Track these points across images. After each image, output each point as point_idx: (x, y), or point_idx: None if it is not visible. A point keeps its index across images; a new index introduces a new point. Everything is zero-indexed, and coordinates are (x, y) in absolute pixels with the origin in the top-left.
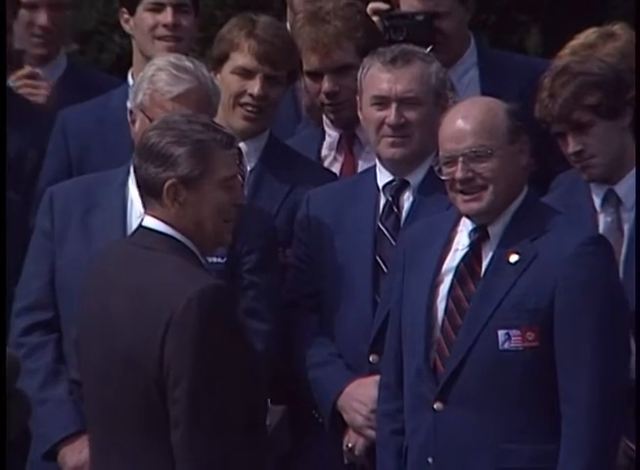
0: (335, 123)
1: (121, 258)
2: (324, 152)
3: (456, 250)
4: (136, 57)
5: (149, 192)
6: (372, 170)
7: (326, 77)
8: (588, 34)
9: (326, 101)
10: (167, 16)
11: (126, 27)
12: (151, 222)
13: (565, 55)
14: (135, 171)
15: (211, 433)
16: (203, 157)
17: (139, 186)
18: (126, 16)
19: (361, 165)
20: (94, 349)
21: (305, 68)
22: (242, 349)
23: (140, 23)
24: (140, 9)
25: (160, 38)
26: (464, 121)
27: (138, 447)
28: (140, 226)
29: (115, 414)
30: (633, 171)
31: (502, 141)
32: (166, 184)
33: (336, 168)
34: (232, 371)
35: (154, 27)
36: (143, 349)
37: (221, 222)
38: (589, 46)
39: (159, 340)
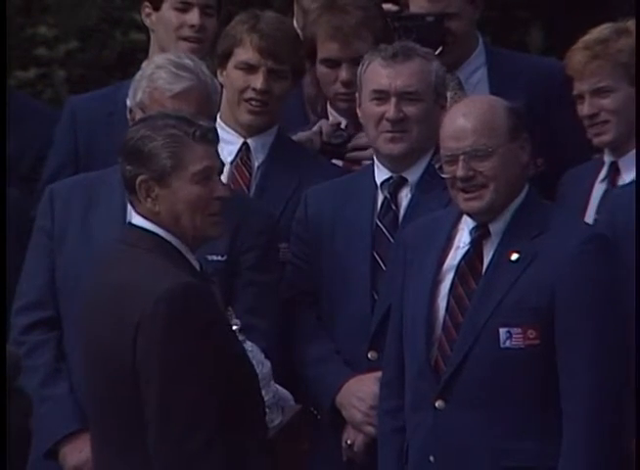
0: (345, 112)
1: (107, 257)
2: None
3: (457, 248)
4: (153, 52)
5: (128, 189)
6: (370, 167)
7: (344, 66)
8: (602, 29)
9: (342, 90)
10: (194, 17)
11: (147, 21)
12: (136, 219)
13: (578, 49)
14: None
15: (181, 432)
16: (173, 151)
17: (123, 184)
18: (149, 10)
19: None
20: (83, 347)
21: (322, 55)
22: (214, 348)
23: (164, 20)
24: (166, 6)
25: (185, 39)
26: (465, 120)
27: (124, 444)
28: (129, 223)
29: (103, 412)
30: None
31: (503, 139)
32: (137, 181)
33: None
34: (201, 371)
35: (179, 27)
36: (118, 348)
37: (201, 217)
38: (602, 41)
39: (131, 340)
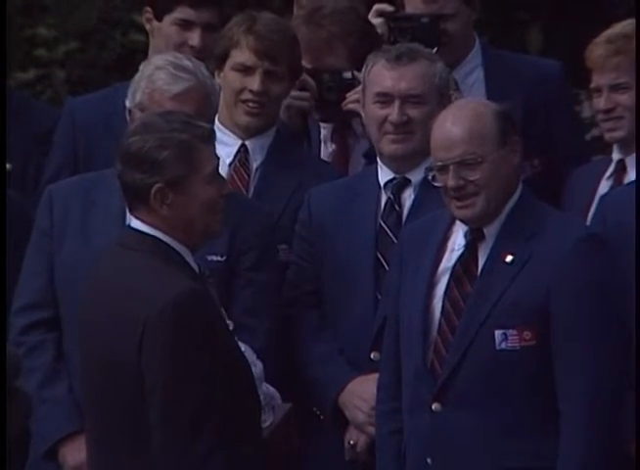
0: (325, 121)
1: (107, 260)
2: (322, 145)
3: (452, 250)
4: (152, 56)
5: (135, 197)
6: (373, 168)
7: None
8: (625, 25)
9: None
10: (195, 38)
11: (147, 26)
12: (135, 222)
13: (600, 42)
14: (119, 177)
15: (186, 437)
16: (187, 157)
17: (123, 190)
18: (149, 15)
19: (355, 156)
20: (83, 350)
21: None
22: (218, 353)
23: (164, 33)
24: (168, 19)
25: None
26: (453, 129)
27: (125, 447)
28: (128, 226)
29: (102, 413)
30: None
31: (492, 146)
32: (153, 189)
33: (329, 157)
34: (206, 376)
35: (180, 45)
36: (122, 352)
37: (212, 216)
38: (625, 36)
39: (136, 344)
